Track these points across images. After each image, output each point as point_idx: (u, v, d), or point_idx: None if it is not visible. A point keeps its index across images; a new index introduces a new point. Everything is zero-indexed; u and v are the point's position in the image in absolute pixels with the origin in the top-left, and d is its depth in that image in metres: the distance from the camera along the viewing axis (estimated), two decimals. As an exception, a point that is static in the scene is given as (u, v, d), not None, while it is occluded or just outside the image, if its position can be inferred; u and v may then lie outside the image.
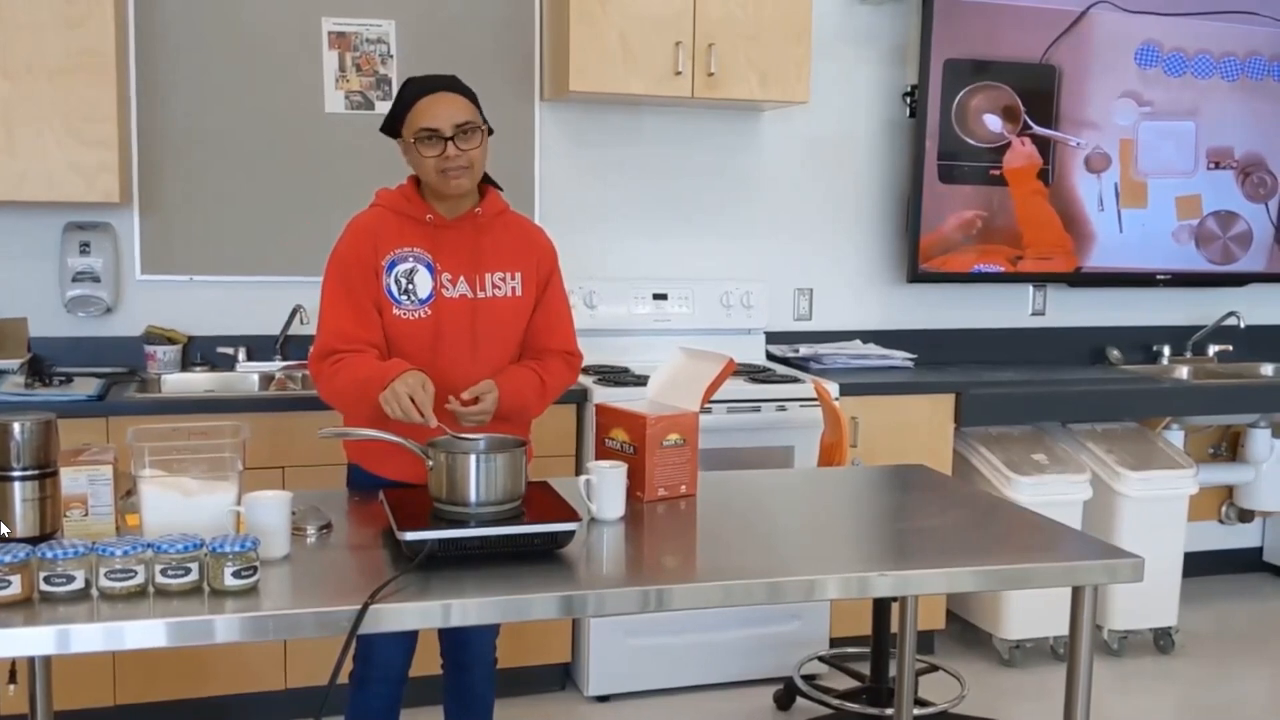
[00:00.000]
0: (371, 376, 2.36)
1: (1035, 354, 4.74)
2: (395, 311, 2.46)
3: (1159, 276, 4.70)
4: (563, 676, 3.79)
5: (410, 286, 2.47)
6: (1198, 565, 4.98)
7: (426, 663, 2.86)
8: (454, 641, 2.70)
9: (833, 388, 3.75)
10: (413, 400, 2.26)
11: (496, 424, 2.43)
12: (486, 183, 2.61)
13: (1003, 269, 4.49)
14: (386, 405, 2.28)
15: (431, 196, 2.51)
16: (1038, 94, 4.44)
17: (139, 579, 1.73)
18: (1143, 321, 4.89)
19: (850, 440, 3.79)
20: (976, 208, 4.42)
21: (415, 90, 2.45)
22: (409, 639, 2.61)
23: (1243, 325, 4.78)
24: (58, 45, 3.33)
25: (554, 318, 2.63)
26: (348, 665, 2.64)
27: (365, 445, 2.53)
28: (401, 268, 2.47)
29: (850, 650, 3.85)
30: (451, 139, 2.40)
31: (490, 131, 2.53)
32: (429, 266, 2.48)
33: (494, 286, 2.52)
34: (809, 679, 3.69)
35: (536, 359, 2.59)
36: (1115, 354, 4.76)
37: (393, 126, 2.50)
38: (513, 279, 2.55)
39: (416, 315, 2.47)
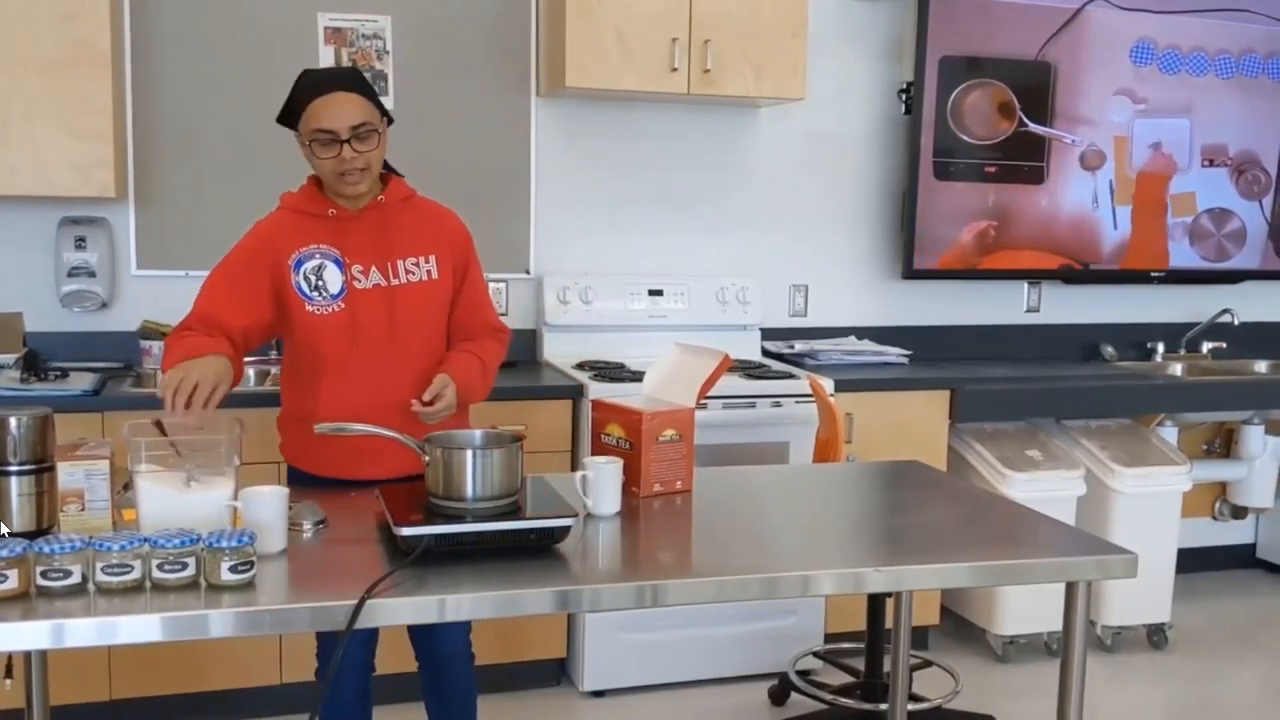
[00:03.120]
0: (178, 361, 2.26)
1: (1030, 351, 4.75)
2: (308, 308, 2.44)
3: (1153, 274, 4.71)
4: (558, 672, 3.80)
5: (320, 283, 2.44)
6: (1191, 561, 4.99)
7: (399, 660, 2.83)
8: (426, 638, 2.65)
9: (828, 384, 3.75)
10: (186, 393, 2.15)
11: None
12: (388, 170, 2.57)
13: (998, 266, 4.49)
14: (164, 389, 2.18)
15: (332, 191, 2.48)
16: (1033, 91, 4.45)
17: (135, 574, 1.73)
18: (1137, 318, 4.89)
19: (845, 436, 3.80)
20: (972, 204, 4.42)
21: (311, 88, 2.39)
22: (366, 631, 2.56)
23: (1236, 322, 4.79)
24: (52, 38, 3.32)
25: (478, 298, 2.62)
26: (312, 664, 2.63)
27: (297, 443, 2.52)
28: (309, 265, 2.44)
29: (845, 646, 3.86)
30: (347, 142, 2.36)
31: (390, 122, 2.48)
32: (337, 262, 2.45)
33: (407, 272, 2.49)
34: (804, 674, 3.69)
35: (470, 341, 2.58)
36: (1110, 351, 4.77)
37: (289, 120, 2.45)
38: (426, 263, 2.52)
39: (330, 310, 2.44)
